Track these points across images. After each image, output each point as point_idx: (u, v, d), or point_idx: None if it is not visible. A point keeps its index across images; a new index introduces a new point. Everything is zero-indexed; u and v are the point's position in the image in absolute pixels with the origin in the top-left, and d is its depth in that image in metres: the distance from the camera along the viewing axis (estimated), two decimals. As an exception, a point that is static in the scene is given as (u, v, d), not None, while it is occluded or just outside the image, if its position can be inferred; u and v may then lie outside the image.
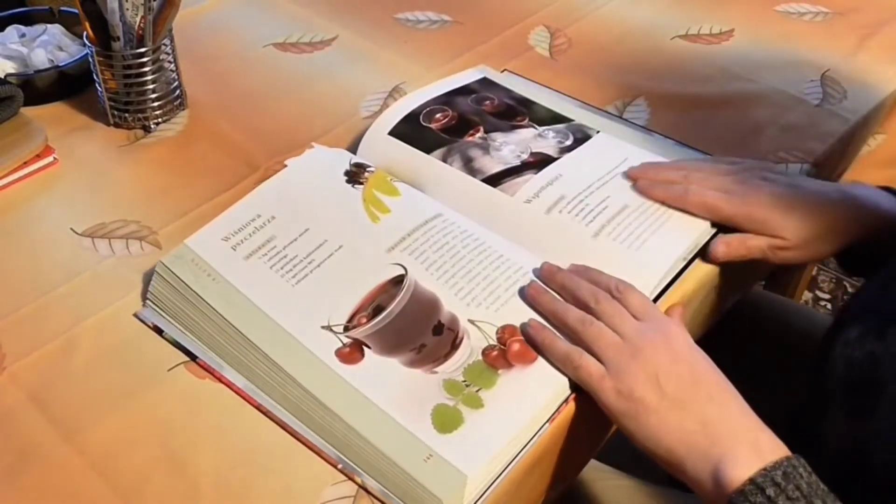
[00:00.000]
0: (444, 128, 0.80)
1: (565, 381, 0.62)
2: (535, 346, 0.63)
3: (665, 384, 0.58)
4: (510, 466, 0.58)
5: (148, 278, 0.69)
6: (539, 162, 0.76)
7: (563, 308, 0.64)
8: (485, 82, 0.87)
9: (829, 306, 1.76)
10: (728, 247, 0.71)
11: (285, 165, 0.76)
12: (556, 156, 0.77)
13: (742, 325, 0.91)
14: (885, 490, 0.54)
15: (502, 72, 0.94)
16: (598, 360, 0.60)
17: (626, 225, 0.71)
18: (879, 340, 0.59)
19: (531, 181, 0.74)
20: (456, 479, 0.55)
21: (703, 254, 0.72)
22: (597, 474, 0.81)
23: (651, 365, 0.59)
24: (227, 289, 0.65)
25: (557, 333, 0.63)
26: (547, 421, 0.60)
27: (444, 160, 0.76)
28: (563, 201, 0.72)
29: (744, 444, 0.56)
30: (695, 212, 0.72)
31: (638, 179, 0.74)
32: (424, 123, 0.80)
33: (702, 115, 0.90)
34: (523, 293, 0.65)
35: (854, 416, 0.55)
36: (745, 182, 0.72)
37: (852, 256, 0.73)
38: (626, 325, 0.62)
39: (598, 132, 0.80)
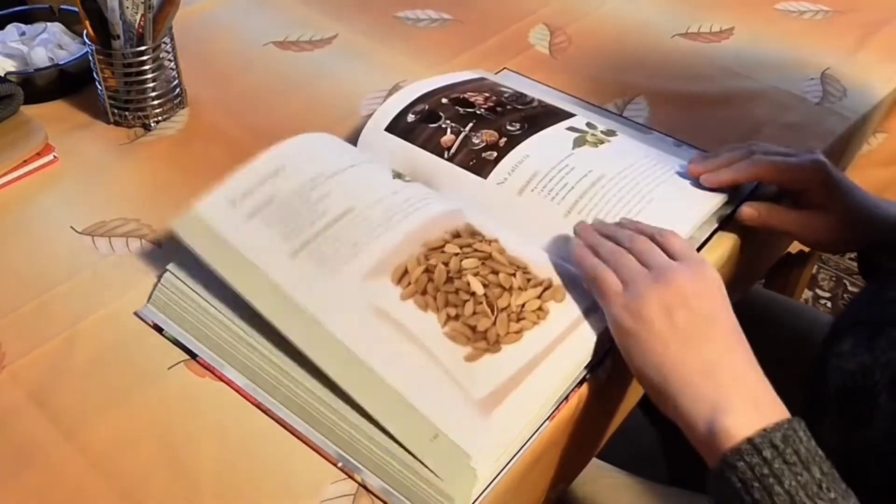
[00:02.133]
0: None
1: (577, 359, 0.61)
2: (573, 261, 0.64)
3: (676, 315, 0.58)
4: (511, 464, 0.58)
5: (148, 276, 0.69)
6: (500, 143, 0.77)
7: (600, 241, 0.65)
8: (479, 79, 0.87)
9: (829, 305, 1.76)
10: (759, 213, 0.73)
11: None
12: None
13: (742, 323, 0.90)
14: (882, 500, 0.54)
15: (501, 70, 0.94)
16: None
17: (602, 197, 0.72)
18: (870, 352, 0.59)
19: (501, 163, 0.74)
20: (459, 458, 0.56)
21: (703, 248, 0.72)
22: (598, 473, 0.81)
23: (669, 295, 0.59)
24: (235, 256, 0.65)
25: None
26: (547, 419, 0.60)
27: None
28: (535, 179, 0.73)
29: (744, 395, 0.55)
30: (761, 174, 0.73)
31: (699, 175, 0.74)
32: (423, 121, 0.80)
33: (701, 113, 0.90)
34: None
35: (848, 427, 0.55)
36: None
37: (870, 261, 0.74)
38: (657, 258, 0.62)
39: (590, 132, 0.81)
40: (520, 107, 0.81)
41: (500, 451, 0.57)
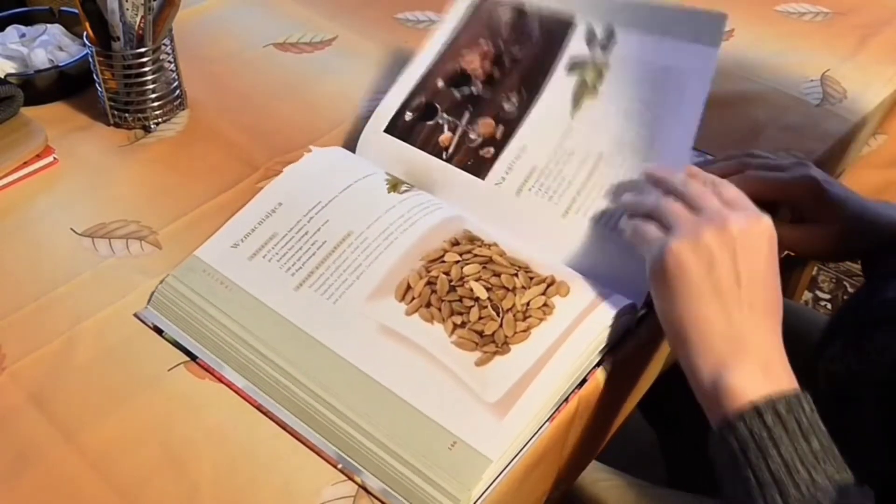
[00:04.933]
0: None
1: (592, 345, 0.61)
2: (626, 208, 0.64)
3: (717, 269, 0.57)
4: (511, 465, 0.58)
5: (148, 278, 0.69)
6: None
7: (646, 190, 0.64)
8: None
9: (829, 306, 1.75)
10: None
11: (282, 172, 0.75)
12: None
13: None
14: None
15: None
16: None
17: (599, 191, 0.71)
18: (856, 355, 0.59)
19: (499, 161, 0.74)
20: (479, 464, 0.56)
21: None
22: (597, 475, 0.81)
23: (714, 241, 0.57)
24: (240, 295, 0.66)
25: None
26: (547, 421, 0.60)
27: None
28: (532, 176, 0.73)
29: (755, 357, 0.55)
30: (752, 192, 0.69)
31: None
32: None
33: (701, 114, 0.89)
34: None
35: (835, 430, 0.56)
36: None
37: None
38: (708, 201, 0.60)
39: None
40: (518, 57, 0.79)
41: (517, 448, 0.58)
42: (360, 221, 0.69)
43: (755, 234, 0.58)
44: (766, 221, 0.59)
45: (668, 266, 0.58)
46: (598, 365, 0.63)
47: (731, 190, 0.62)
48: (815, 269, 1.77)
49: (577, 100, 0.76)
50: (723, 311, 0.56)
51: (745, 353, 0.55)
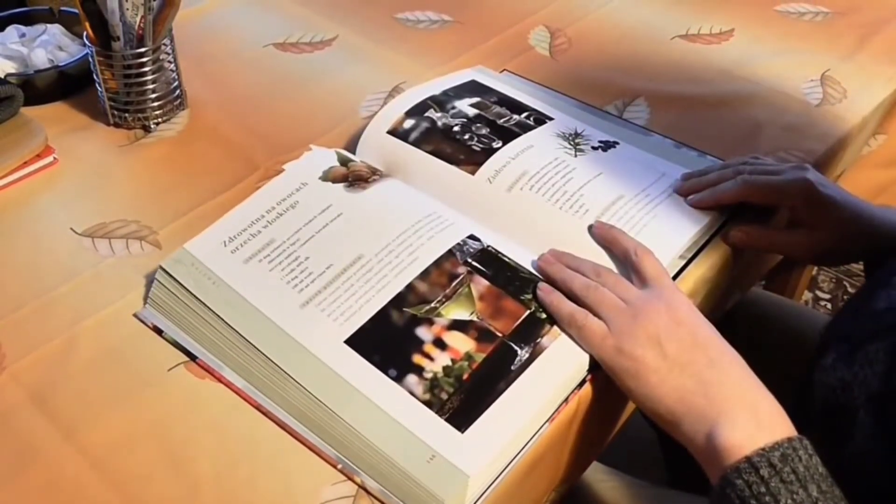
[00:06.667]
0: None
1: (569, 375, 0.62)
2: (543, 307, 0.64)
3: (666, 346, 0.59)
4: (510, 466, 0.58)
5: (148, 278, 0.69)
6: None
7: (570, 276, 0.65)
8: (479, 84, 0.87)
9: (829, 306, 1.75)
10: (747, 236, 0.72)
11: (283, 170, 0.75)
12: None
13: (742, 325, 0.90)
14: None
15: (501, 72, 0.94)
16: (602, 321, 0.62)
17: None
18: (849, 367, 0.59)
19: (494, 157, 0.75)
20: (458, 480, 0.55)
21: (698, 253, 0.72)
22: (597, 476, 0.81)
23: (653, 326, 0.60)
24: (227, 292, 0.65)
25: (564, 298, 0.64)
26: (547, 420, 0.60)
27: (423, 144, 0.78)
28: (524, 177, 0.74)
29: (742, 407, 0.56)
30: (746, 195, 0.72)
31: (686, 196, 0.74)
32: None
33: (701, 115, 0.90)
34: (534, 264, 0.67)
35: (832, 442, 0.56)
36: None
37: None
38: (629, 291, 0.63)
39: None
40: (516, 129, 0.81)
41: (494, 465, 0.57)
42: (370, 245, 0.68)
43: (679, 308, 0.61)
44: (680, 295, 0.63)
45: (624, 363, 0.60)
46: (597, 368, 0.63)
47: (648, 263, 0.65)
48: (816, 269, 1.77)
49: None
50: (690, 375, 0.58)
51: (732, 407, 0.56)
